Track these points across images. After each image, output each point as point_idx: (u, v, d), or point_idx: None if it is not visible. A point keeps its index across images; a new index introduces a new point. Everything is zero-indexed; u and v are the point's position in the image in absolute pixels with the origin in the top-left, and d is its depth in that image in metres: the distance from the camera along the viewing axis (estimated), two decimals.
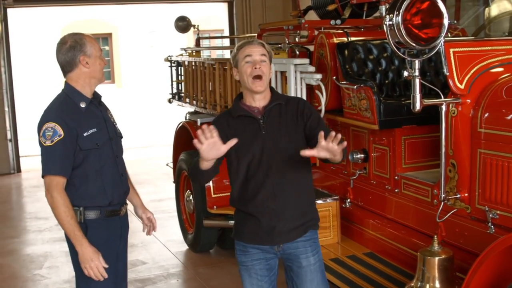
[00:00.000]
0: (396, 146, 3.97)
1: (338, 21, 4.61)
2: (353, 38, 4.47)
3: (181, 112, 7.94)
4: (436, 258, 3.16)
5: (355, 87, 3.94)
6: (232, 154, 2.89)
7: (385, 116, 3.90)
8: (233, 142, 2.68)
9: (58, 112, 2.93)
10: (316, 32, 4.53)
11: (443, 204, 3.46)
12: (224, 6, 11.30)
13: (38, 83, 14.03)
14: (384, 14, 3.21)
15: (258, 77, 2.85)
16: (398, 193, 3.96)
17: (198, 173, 2.83)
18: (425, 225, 3.74)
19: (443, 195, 3.44)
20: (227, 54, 10.80)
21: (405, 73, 3.30)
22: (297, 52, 4.46)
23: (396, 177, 3.96)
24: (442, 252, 3.18)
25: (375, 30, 4.97)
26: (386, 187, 4.06)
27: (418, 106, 3.30)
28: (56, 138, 2.87)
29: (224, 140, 2.70)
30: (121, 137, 3.19)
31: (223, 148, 2.67)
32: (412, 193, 3.84)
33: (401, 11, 3.12)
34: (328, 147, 2.58)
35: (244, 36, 8.96)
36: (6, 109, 9.95)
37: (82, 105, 2.97)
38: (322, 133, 2.60)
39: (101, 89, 3.17)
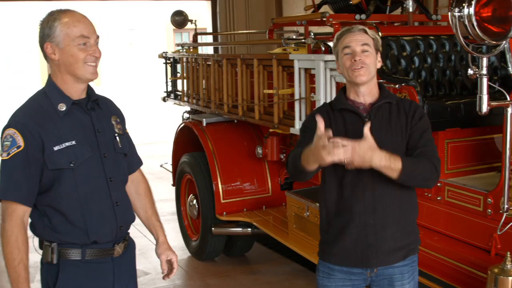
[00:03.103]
0: (438, 150, 3.48)
1: (363, 16, 4.15)
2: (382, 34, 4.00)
3: (166, 110, 7.39)
4: (511, 278, 2.72)
5: (397, 86, 3.47)
6: None
7: (429, 117, 3.37)
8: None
9: (24, 115, 2.16)
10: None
11: (505, 216, 3.02)
12: (207, 5, 10.78)
13: (17, 80, 13.34)
14: (452, 5, 2.73)
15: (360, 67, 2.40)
16: (440, 201, 3.51)
17: (302, 173, 2.38)
18: (474, 236, 3.30)
19: (506, 206, 3.00)
20: (210, 50, 10.26)
21: (470, 71, 2.85)
22: (323, 48, 3.96)
23: (438, 184, 3.51)
24: None
25: (399, 26, 4.53)
26: (426, 194, 3.60)
27: (485, 108, 2.85)
28: (13, 151, 2.09)
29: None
30: (124, 153, 2.37)
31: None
32: (459, 201, 3.39)
33: (473, 1, 2.67)
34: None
35: (245, 33, 8.43)
36: None
37: (61, 108, 2.18)
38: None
39: None
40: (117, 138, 2.34)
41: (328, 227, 2.54)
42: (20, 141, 2.10)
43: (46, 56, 2.22)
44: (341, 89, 2.60)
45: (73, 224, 2.19)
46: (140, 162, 2.55)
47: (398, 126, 2.46)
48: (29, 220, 2.25)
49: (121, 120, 2.42)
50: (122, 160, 2.37)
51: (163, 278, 2.52)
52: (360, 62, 2.40)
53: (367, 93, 2.47)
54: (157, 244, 2.52)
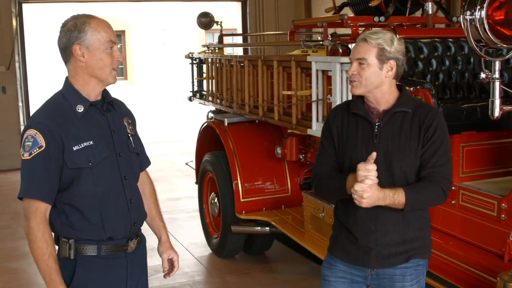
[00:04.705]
0: (453, 153, 3.42)
1: (382, 18, 4.09)
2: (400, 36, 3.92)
3: (195, 109, 7.41)
4: None
5: (412, 89, 3.40)
6: (337, 152, 2.44)
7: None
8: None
9: (44, 116, 2.19)
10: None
11: None
12: (237, 6, 10.81)
13: (52, 79, 13.57)
14: (464, 9, 2.66)
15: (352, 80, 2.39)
16: (455, 205, 3.43)
17: (337, 193, 2.42)
18: (487, 241, 3.21)
19: None
20: (240, 51, 10.26)
21: (482, 75, 2.78)
22: (340, 50, 3.91)
23: (453, 187, 3.42)
24: None
25: (418, 28, 4.44)
26: None
27: (497, 112, 2.78)
28: (35, 151, 2.12)
29: (334, 135, 2.43)
30: (137, 153, 2.40)
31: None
32: (473, 205, 3.31)
33: (485, 5, 2.59)
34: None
35: (273, 34, 8.40)
36: (20, 104, 9.48)
37: (79, 109, 2.22)
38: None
39: (114, 85, 2.34)
40: (130, 138, 2.38)
41: (336, 224, 2.57)
42: (42, 141, 2.13)
43: (67, 58, 2.25)
44: None
45: (90, 221, 2.23)
46: (148, 162, 2.58)
47: (409, 136, 2.38)
48: None
49: (132, 121, 2.46)
50: (135, 159, 2.40)
51: (164, 276, 2.54)
52: (353, 76, 2.38)
53: (376, 101, 2.41)
54: (160, 243, 2.53)
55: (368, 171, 2.21)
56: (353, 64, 2.39)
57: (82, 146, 2.19)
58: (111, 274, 2.29)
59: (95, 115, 2.27)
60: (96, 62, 2.21)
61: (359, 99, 2.47)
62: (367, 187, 2.20)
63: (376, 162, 2.34)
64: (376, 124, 2.39)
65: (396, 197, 2.28)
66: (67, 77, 2.29)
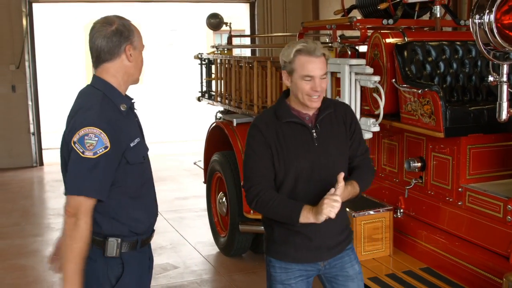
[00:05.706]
0: (460, 155, 3.47)
1: (391, 21, 4.12)
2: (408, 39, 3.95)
3: (203, 109, 7.46)
4: None
5: (420, 91, 3.44)
6: (277, 163, 2.44)
7: (451, 123, 3.40)
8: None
9: (102, 115, 2.14)
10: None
11: None
12: (245, 7, 10.85)
13: (61, 78, 13.68)
14: (473, 12, 2.70)
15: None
16: (461, 206, 3.47)
17: (283, 218, 2.44)
18: (493, 242, 3.24)
19: None
20: (247, 52, 10.30)
21: (490, 78, 2.82)
22: (349, 52, 3.95)
23: (460, 189, 3.46)
24: None
25: (426, 31, 4.47)
26: (447, 198, 3.56)
27: (504, 115, 2.82)
28: (100, 151, 2.09)
29: (272, 147, 2.41)
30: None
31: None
32: (479, 207, 3.34)
33: (493, 9, 2.63)
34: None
35: (282, 35, 8.44)
36: (30, 102, 9.55)
37: (123, 107, 2.22)
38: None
39: None
40: None
41: (277, 228, 2.54)
42: (107, 141, 2.10)
43: (112, 57, 2.21)
44: (283, 96, 2.57)
45: (136, 214, 2.26)
46: None
47: (340, 132, 2.54)
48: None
49: None
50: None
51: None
52: (320, 91, 2.42)
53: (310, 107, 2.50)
54: None
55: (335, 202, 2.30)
56: (317, 81, 2.39)
57: (135, 142, 2.22)
58: (143, 266, 2.36)
59: (131, 112, 2.30)
60: (138, 63, 2.27)
61: (284, 107, 2.49)
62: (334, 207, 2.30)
63: (320, 163, 2.45)
64: (313, 128, 2.47)
65: (355, 190, 2.47)
66: (98, 76, 2.24)
